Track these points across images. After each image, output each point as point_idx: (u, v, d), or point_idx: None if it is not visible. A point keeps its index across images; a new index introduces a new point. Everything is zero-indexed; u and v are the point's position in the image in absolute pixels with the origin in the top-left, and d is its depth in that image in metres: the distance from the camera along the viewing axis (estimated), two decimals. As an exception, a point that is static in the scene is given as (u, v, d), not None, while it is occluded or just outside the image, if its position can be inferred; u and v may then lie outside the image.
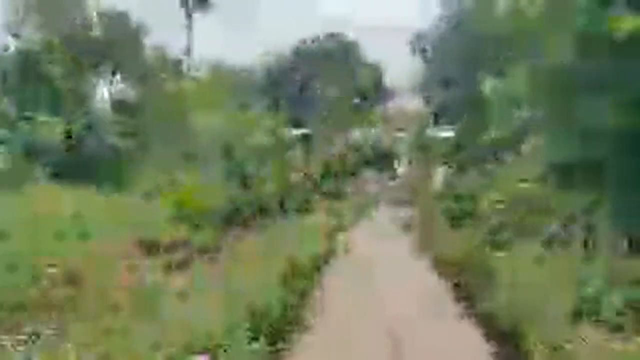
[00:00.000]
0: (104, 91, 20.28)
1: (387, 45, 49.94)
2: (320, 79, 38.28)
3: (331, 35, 44.03)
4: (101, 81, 20.10)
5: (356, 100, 38.99)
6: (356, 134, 36.67)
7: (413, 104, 38.85)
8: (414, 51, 29.02)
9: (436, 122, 33.67)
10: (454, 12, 24.74)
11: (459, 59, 23.36)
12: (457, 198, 21.06)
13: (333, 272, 15.13)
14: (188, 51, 27.11)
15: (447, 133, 31.84)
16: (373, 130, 39.63)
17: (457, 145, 29.73)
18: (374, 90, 41.41)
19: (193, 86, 20.27)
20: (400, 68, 38.58)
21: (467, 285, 11.94)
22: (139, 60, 20.87)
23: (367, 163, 39.22)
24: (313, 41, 42.74)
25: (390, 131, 38.55)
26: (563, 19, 11.84)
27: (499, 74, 17.42)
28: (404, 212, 26.42)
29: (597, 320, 8.23)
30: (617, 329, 7.78)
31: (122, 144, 18.08)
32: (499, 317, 8.71)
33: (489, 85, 16.63)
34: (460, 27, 22.45)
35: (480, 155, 23.84)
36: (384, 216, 27.90)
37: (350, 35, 43.40)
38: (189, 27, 28.19)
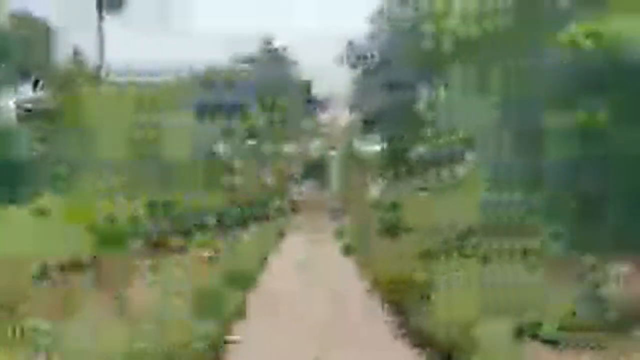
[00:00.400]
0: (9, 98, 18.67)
1: (321, 55, 49.53)
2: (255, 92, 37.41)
3: (267, 50, 43.23)
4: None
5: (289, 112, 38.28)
6: (291, 148, 36.12)
7: (345, 115, 38.53)
8: (346, 59, 28.50)
9: (366, 132, 33.30)
10: (405, 15, 24.34)
11: (408, 62, 22.92)
12: (393, 207, 20.58)
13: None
14: (100, 56, 25.67)
15: (375, 144, 31.46)
16: (306, 143, 39.07)
17: (391, 154, 29.36)
18: (306, 102, 40.84)
19: (110, 92, 18.95)
20: (335, 78, 38.22)
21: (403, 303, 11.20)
22: (52, 65, 19.45)
23: (302, 176, 38.62)
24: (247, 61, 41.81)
25: (324, 143, 38.12)
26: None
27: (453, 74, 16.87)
28: (338, 222, 25.94)
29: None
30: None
31: (28, 154, 16.64)
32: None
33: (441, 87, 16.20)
34: (413, 29, 22.02)
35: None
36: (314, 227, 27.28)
37: (280, 45, 42.68)
38: (100, 30, 26.75)
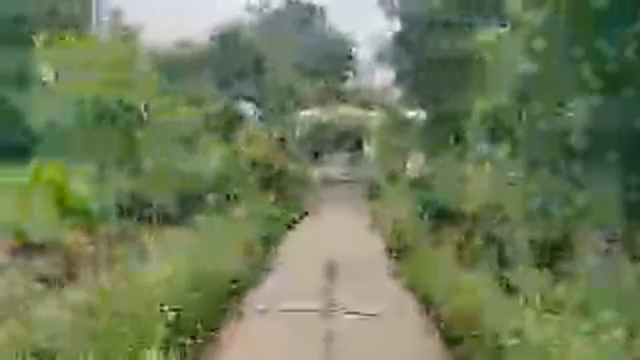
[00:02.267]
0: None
1: (355, 9, 44.80)
2: (277, 51, 32.87)
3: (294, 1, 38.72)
4: None
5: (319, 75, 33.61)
6: (312, 113, 31.43)
7: (381, 78, 33.95)
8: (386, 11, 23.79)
9: (407, 100, 28.82)
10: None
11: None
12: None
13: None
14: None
15: (420, 113, 27.08)
16: (339, 109, 34.45)
17: (432, 124, 25.00)
18: (341, 63, 36.14)
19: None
20: (369, 36, 33.54)
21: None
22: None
23: (333, 144, 34.04)
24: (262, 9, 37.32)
25: (357, 109, 33.40)
26: None
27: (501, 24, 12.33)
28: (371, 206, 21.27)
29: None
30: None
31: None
32: None
33: (485, 37, 11.45)
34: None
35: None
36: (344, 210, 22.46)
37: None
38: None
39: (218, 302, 9.06)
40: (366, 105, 33.82)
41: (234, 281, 9.61)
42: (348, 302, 10.15)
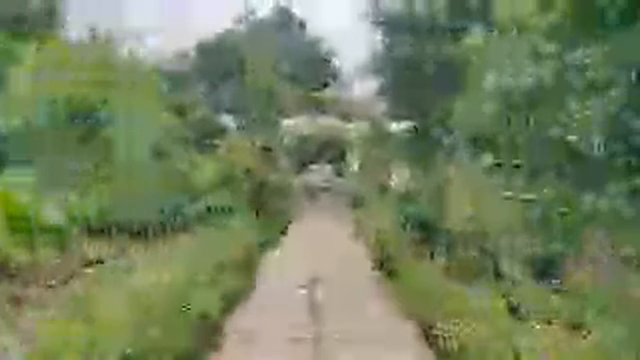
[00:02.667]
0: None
1: (338, 19, 44.53)
2: (258, 57, 32.32)
3: (277, 10, 38.28)
4: None
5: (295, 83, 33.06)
6: (296, 122, 30.96)
7: (361, 88, 33.52)
8: (369, 16, 23.31)
9: (391, 111, 28.39)
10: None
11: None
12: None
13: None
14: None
15: (404, 125, 26.64)
16: (321, 120, 33.94)
17: (418, 135, 24.56)
18: (322, 72, 35.69)
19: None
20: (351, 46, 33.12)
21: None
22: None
23: (315, 154, 33.44)
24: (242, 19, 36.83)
25: (339, 120, 32.93)
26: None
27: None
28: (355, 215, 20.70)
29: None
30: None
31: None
32: None
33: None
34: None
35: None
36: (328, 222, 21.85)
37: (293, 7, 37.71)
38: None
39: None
40: (347, 116, 33.45)
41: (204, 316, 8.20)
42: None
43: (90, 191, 12.24)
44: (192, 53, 37.67)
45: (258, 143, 22.45)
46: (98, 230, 11.99)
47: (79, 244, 10.55)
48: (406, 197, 18.11)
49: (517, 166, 9.93)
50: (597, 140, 7.70)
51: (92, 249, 10.98)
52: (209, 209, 15.96)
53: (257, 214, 18.48)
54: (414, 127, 22.41)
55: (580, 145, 7.78)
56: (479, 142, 15.44)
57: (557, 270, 9.32)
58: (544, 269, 9.49)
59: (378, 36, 24.23)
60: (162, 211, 13.68)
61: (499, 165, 11.87)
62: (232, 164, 19.55)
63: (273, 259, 14.96)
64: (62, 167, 12.88)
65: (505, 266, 9.97)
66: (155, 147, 16.47)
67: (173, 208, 14.24)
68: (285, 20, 37.05)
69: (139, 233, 12.61)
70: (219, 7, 55.71)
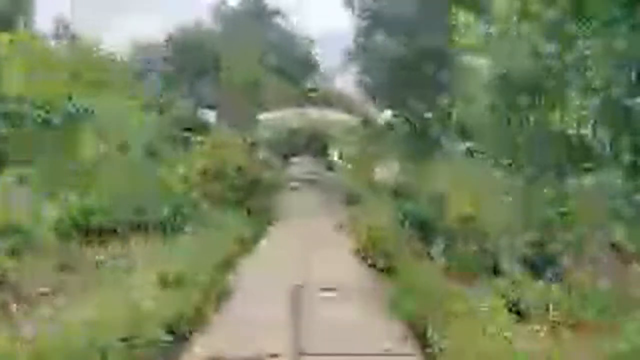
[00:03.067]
0: None
1: (320, 9, 44.14)
2: (238, 49, 31.87)
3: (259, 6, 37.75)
4: None
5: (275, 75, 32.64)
6: (282, 115, 30.47)
7: (344, 80, 33.19)
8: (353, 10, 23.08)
9: (377, 103, 28.22)
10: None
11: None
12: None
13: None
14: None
15: (389, 115, 26.53)
16: (307, 112, 33.57)
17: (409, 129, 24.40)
18: (304, 64, 35.37)
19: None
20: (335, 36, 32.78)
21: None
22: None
23: (302, 147, 33.22)
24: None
25: (325, 111, 32.59)
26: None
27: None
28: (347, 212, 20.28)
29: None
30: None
31: None
32: None
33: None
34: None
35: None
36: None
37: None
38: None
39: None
40: (332, 107, 33.19)
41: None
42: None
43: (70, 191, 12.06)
44: (163, 47, 37.02)
45: (248, 139, 22.18)
46: (96, 230, 11.92)
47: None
48: (399, 193, 18.01)
49: (514, 163, 9.88)
50: (602, 136, 7.64)
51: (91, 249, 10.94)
52: (195, 207, 15.69)
53: (248, 211, 18.25)
54: (405, 118, 22.25)
55: (591, 142, 7.73)
56: (474, 137, 15.36)
57: (557, 269, 9.31)
58: (544, 267, 9.48)
59: (361, 25, 23.92)
60: (162, 210, 13.62)
61: (495, 160, 11.80)
62: (221, 160, 19.28)
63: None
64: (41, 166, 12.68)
65: (505, 264, 9.94)
66: (143, 146, 16.23)
67: (173, 207, 14.07)
68: (259, 10, 36.50)
69: (137, 229, 12.59)
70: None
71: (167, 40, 37.69)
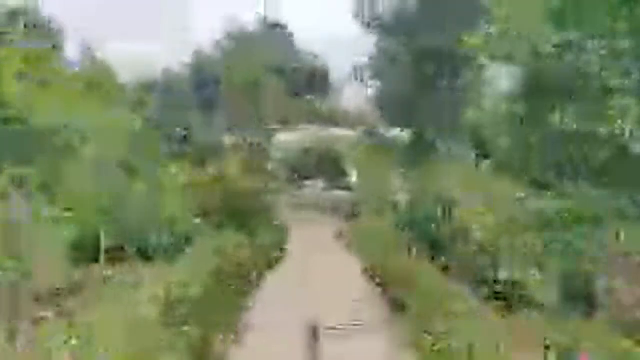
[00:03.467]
0: None
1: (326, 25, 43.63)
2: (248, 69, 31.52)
3: (267, 24, 37.53)
4: None
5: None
6: (298, 136, 30.05)
7: (354, 97, 32.61)
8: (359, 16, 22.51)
9: (389, 118, 27.48)
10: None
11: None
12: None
13: None
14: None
15: (400, 132, 25.72)
16: (318, 131, 33.05)
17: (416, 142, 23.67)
18: (314, 82, 34.81)
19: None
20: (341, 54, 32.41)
21: None
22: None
23: (313, 167, 32.41)
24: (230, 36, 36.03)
25: (335, 129, 32.09)
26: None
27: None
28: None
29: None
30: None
31: None
32: None
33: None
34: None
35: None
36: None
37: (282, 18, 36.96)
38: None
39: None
40: (343, 125, 32.66)
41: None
42: None
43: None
44: (187, 67, 36.89)
45: (255, 160, 21.71)
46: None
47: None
48: (405, 208, 17.35)
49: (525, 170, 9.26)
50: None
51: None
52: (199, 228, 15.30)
53: (252, 231, 17.64)
54: (414, 133, 21.52)
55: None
56: (485, 146, 14.76)
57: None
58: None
59: (371, 40, 23.41)
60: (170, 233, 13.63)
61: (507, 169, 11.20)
62: (232, 181, 18.83)
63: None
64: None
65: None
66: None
67: (183, 232, 14.11)
68: (273, 31, 36.29)
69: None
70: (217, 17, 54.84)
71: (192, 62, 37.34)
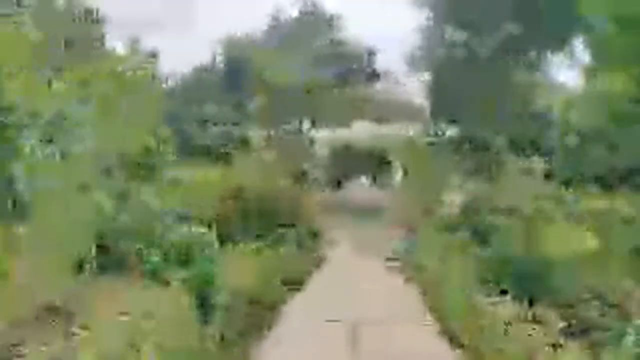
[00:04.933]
0: None
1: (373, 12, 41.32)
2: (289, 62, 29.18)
3: (305, 10, 35.06)
4: None
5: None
6: (337, 132, 27.84)
7: (405, 88, 30.17)
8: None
9: (434, 114, 25.19)
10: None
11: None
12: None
13: None
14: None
15: (452, 129, 23.56)
16: (361, 125, 30.70)
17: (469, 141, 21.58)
18: (358, 72, 32.19)
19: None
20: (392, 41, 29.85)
21: None
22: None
23: (356, 167, 29.90)
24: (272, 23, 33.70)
25: (381, 124, 29.56)
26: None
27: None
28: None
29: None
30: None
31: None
32: None
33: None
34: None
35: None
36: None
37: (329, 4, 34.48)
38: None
39: None
40: (391, 120, 30.01)
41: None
42: None
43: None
44: (217, 60, 34.75)
45: (290, 156, 19.44)
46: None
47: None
48: (465, 225, 14.65)
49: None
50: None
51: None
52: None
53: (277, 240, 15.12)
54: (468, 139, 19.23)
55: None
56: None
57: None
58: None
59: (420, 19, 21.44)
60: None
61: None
62: (257, 180, 16.51)
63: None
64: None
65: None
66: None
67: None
68: (316, 19, 33.83)
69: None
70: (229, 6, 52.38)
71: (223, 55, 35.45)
